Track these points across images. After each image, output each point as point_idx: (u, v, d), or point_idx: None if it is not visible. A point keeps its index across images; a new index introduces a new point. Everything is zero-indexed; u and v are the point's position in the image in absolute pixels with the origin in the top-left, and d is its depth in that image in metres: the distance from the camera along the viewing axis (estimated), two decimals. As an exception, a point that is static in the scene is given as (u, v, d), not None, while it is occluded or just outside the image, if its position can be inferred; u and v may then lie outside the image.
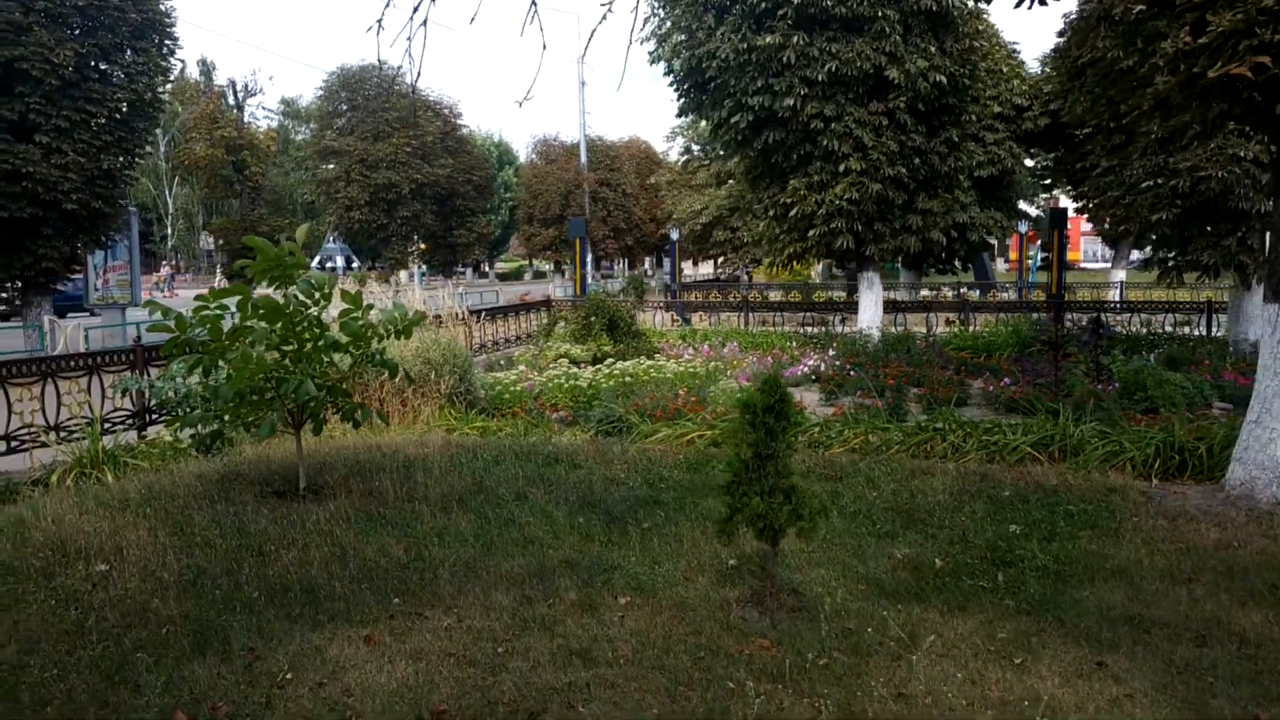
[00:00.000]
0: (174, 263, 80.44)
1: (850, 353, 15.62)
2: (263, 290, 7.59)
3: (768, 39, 15.51)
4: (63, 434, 9.27)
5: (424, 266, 46.26)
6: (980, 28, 17.88)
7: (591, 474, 8.39)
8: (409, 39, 4.07)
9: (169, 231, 76.80)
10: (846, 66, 15.57)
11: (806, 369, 14.29)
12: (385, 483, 7.81)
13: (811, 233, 16.80)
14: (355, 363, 7.73)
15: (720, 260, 39.88)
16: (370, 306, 7.51)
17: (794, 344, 17.09)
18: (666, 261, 79.78)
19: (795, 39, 15.50)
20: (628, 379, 12.49)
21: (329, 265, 77.27)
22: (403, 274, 45.51)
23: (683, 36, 16.67)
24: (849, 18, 15.59)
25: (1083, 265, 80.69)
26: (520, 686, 4.40)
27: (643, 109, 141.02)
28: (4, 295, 20.06)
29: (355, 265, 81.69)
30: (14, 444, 8.79)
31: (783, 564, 6.20)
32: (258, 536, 6.30)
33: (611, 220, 50.41)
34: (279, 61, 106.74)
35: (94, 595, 5.32)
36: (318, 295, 7.29)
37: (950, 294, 32.59)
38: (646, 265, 74.21)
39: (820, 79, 15.65)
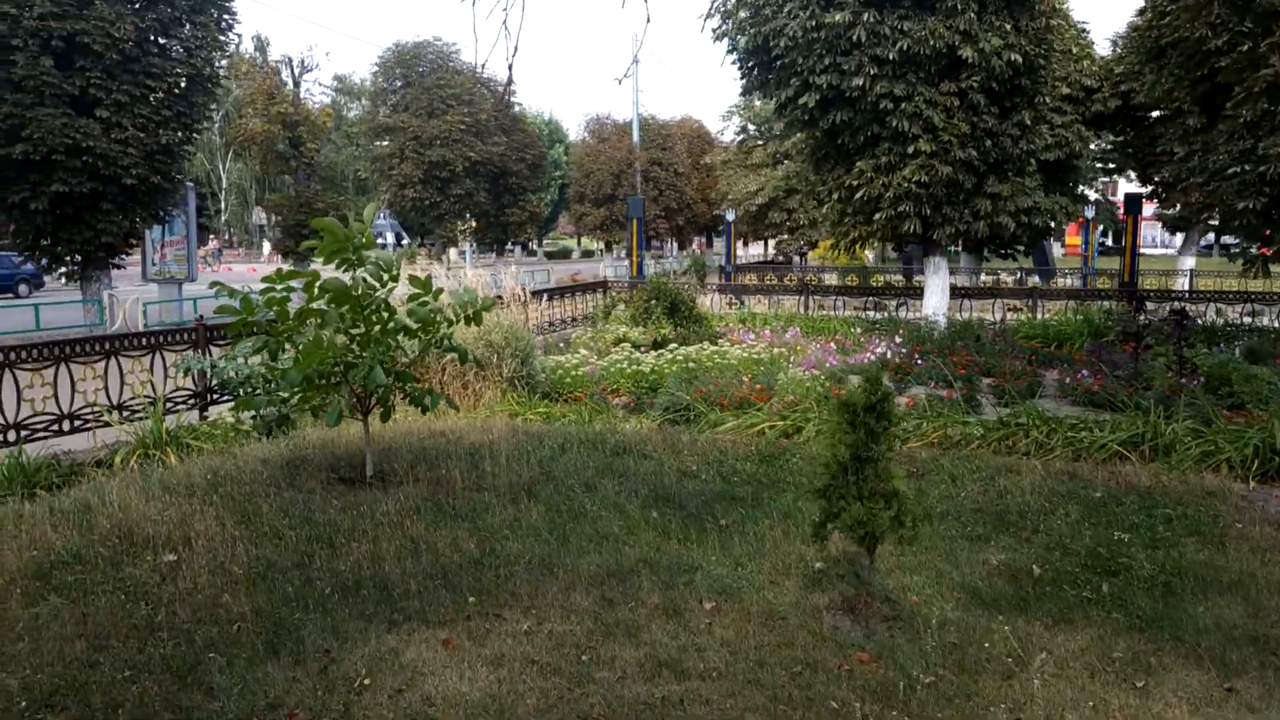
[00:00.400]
0: (225, 236, 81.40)
1: (916, 340, 15.21)
2: (317, 267, 7.39)
3: (837, 16, 15.07)
4: (125, 413, 9.16)
5: (474, 244, 46.23)
6: (1056, 5, 17.30)
7: (662, 465, 8.14)
8: (505, 10, 3.80)
9: (222, 206, 77.62)
10: (918, 45, 15.09)
11: (873, 356, 13.90)
12: (452, 471, 7.61)
13: (878, 216, 16.36)
14: (424, 348, 7.51)
15: (777, 242, 39.30)
16: (440, 290, 7.28)
17: (857, 330, 16.70)
18: (717, 242, 79.31)
19: (866, 16, 15.05)
20: (691, 365, 12.20)
21: (378, 242, 77.78)
22: (452, 251, 45.45)
23: (748, 13, 16.26)
24: (922, -6, 15.13)
25: (1141, 251, 78.85)
26: (610, 701, 4.16)
27: (695, 87, 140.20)
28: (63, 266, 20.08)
29: (405, 242, 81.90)
30: (77, 423, 8.69)
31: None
32: (327, 527, 6.11)
33: (663, 200, 49.99)
34: (332, 37, 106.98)
35: (163, 588, 5.15)
36: (386, 277, 7.08)
37: (1010, 279, 31.91)
38: (695, 245, 73.77)
39: (891, 58, 15.18)
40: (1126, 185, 45.88)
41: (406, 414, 9.59)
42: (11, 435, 8.08)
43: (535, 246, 79.03)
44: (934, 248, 17.31)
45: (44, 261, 20.10)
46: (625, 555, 5.95)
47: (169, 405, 9.48)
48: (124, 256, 21.13)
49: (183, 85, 20.08)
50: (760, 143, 40.15)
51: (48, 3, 17.55)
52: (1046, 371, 13.25)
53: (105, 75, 18.35)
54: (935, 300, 17.32)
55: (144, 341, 9.44)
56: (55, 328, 20.15)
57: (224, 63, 22.48)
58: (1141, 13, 16.95)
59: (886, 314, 19.43)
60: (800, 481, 7.73)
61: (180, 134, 20.53)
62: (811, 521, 5.18)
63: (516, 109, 43.82)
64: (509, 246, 50.96)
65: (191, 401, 9.89)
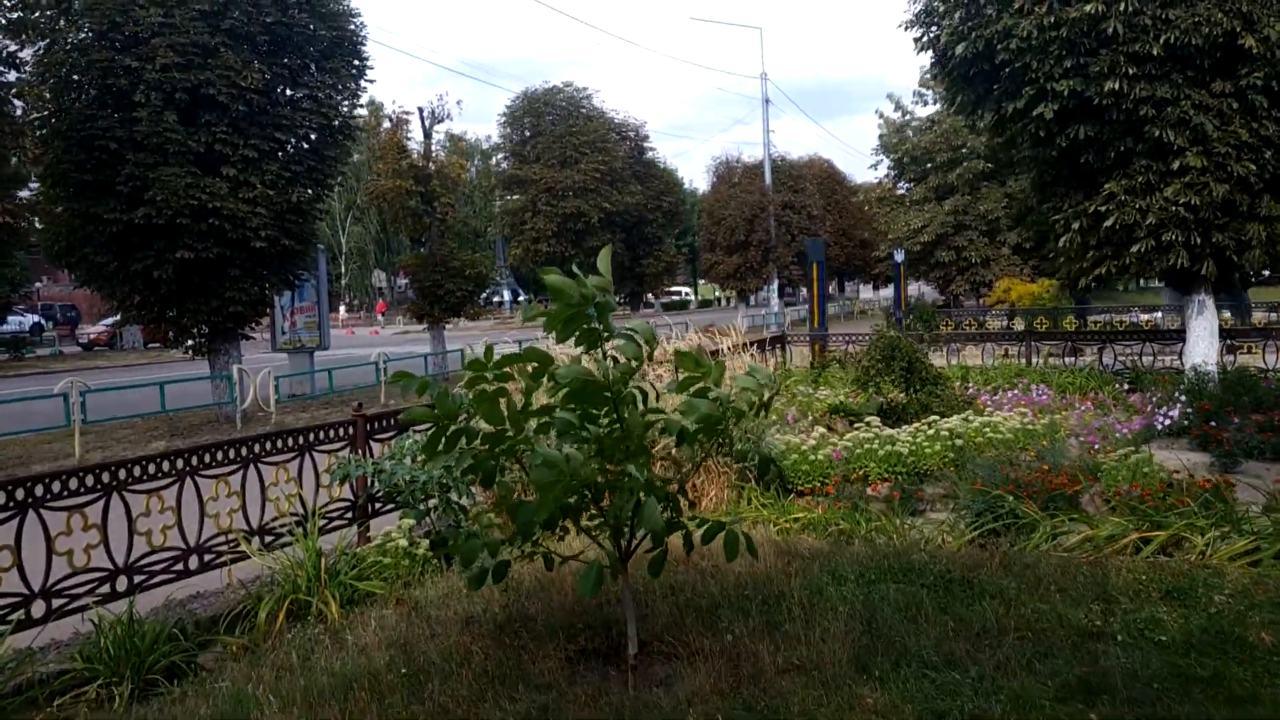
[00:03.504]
0: (347, 300, 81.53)
1: (1198, 396, 12.28)
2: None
3: (1086, 8, 12.40)
4: (268, 537, 6.96)
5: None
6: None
7: (1031, 613, 5.53)
8: None
9: (343, 270, 77.71)
10: (1187, 35, 12.32)
11: (1167, 420, 11.07)
12: (740, 633, 5.16)
13: (1134, 248, 13.46)
14: (703, 456, 5.11)
15: (940, 281, 36.18)
16: (721, 367, 4.86)
17: (1123, 385, 13.79)
18: (850, 286, 76.07)
19: (1122, 5, 12.35)
20: (958, 441, 9.56)
21: (495, 300, 76.73)
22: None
23: (963, 14, 13.71)
24: (1190, -24, 12.38)
25: None
26: None
27: (811, 127, 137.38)
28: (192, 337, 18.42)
29: (522, 298, 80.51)
30: (207, 558, 6.49)
31: None
32: (614, 786, 3.68)
33: (796, 244, 47.24)
34: (460, 83, 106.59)
35: None
36: (645, 354, 4.73)
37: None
38: (808, 290, 70.51)
39: (1154, 53, 12.44)
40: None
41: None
42: (121, 583, 5.89)
43: (652, 298, 76.78)
44: (1199, 283, 14.28)
45: (171, 335, 18.49)
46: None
47: (323, 522, 7.24)
48: (254, 326, 19.41)
49: (313, 138, 18.40)
50: (912, 181, 37.17)
51: (170, 53, 16.00)
52: None
53: (232, 129, 16.70)
54: (1204, 346, 14.26)
55: (289, 442, 7.24)
56: (183, 407, 18.50)
57: (359, 112, 20.76)
58: None
59: (1135, 363, 16.38)
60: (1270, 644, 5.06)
61: (311, 191, 18.82)
62: None
63: (650, 155, 41.80)
64: (650, 298, 48.50)
65: (348, 515, 7.66)
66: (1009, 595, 5.81)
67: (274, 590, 6.22)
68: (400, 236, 56.39)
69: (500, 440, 4.63)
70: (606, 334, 4.64)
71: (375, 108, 67.99)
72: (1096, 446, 9.81)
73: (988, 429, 9.86)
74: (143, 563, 6.04)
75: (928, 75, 39.30)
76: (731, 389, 4.97)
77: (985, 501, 7.35)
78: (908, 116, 39.23)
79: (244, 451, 6.83)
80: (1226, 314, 29.03)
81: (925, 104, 40.08)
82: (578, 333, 4.63)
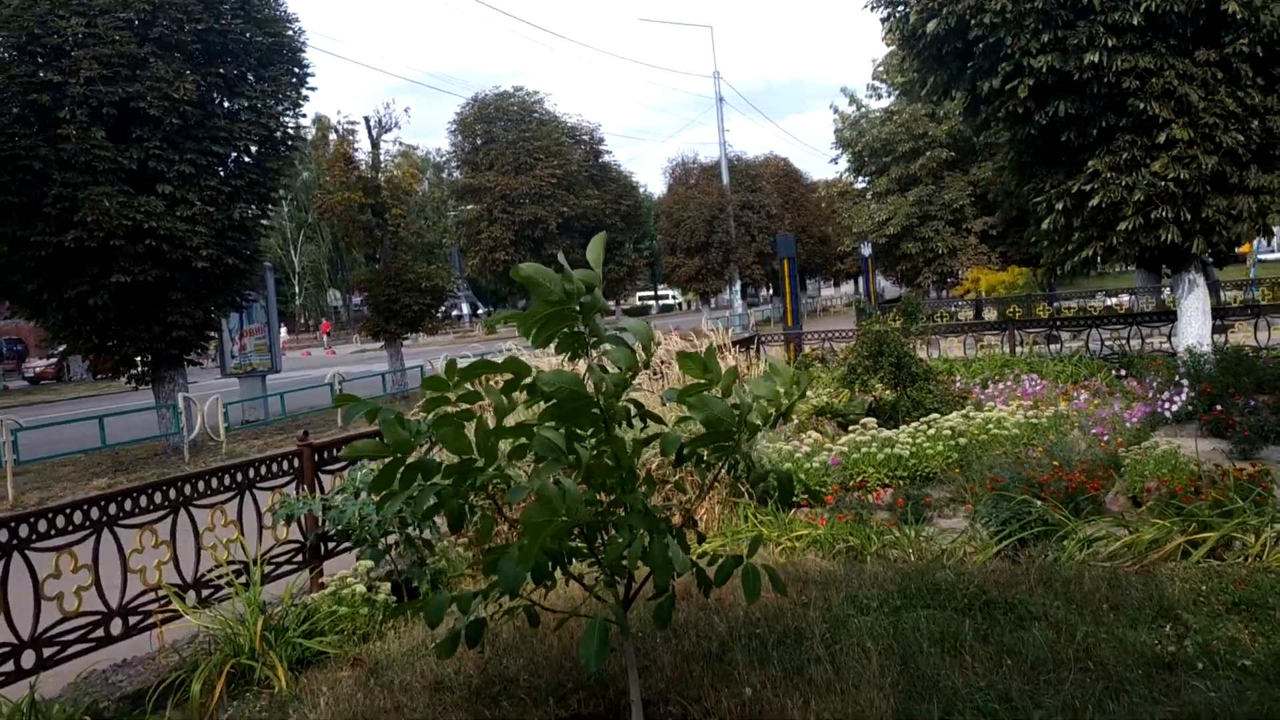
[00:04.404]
0: (301, 321, 79.94)
1: (1199, 379, 11.70)
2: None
3: (1062, -23, 11.84)
4: (205, 591, 6.09)
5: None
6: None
7: (1087, 638, 4.81)
8: None
9: (296, 290, 76.21)
10: (1168, 3, 11.76)
11: (1173, 407, 10.45)
12: (760, 684, 4.39)
13: (1121, 226, 12.87)
14: (713, 478, 4.35)
15: (914, 275, 35.27)
16: (733, 372, 4.08)
17: (1119, 372, 13.15)
18: (811, 283, 75.59)
19: (1100, -27, 11.79)
20: (962, 439, 8.87)
21: (454, 313, 75.44)
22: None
23: (929, -9, 13.09)
24: (1169, -60, 11.80)
25: (1261, 258, 72.27)
26: None
27: (765, 128, 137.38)
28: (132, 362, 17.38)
29: (481, 312, 79.14)
30: (133, 620, 5.62)
31: None
32: None
33: (757, 244, 46.65)
34: (409, 89, 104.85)
35: None
36: (640, 361, 3.96)
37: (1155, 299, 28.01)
38: (770, 290, 70.10)
39: (1134, 23, 11.87)
40: None
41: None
42: (28, 659, 5.01)
43: (611, 305, 75.78)
44: (1189, 261, 13.74)
45: (114, 364, 17.42)
46: None
47: (268, 568, 6.39)
48: (200, 351, 18.39)
49: (254, 151, 17.45)
50: (873, 175, 36.56)
51: (95, 65, 15.02)
52: None
53: (166, 145, 15.73)
54: (1197, 326, 13.68)
55: (225, 480, 6.38)
56: (130, 440, 17.47)
57: (302, 121, 19.84)
58: None
59: (1121, 345, 15.86)
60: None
61: (255, 207, 17.85)
62: None
63: (606, 159, 40.94)
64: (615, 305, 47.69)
65: (298, 559, 6.80)
66: (1057, 618, 5.09)
67: (211, 654, 5.37)
68: (354, 253, 55.24)
69: (468, 472, 3.83)
70: (594, 339, 3.85)
71: (321, 121, 66.93)
72: (1105, 438, 9.17)
73: (991, 425, 9.17)
74: (53, 633, 5.17)
75: (880, 67, 38.83)
76: (749, 397, 4.19)
77: (1011, 508, 6.63)
78: (863, 110, 38.75)
79: (172, 494, 5.96)
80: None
81: (880, 97, 39.60)
82: (559, 337, 3.84)
